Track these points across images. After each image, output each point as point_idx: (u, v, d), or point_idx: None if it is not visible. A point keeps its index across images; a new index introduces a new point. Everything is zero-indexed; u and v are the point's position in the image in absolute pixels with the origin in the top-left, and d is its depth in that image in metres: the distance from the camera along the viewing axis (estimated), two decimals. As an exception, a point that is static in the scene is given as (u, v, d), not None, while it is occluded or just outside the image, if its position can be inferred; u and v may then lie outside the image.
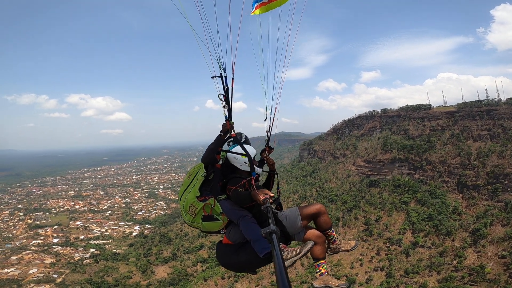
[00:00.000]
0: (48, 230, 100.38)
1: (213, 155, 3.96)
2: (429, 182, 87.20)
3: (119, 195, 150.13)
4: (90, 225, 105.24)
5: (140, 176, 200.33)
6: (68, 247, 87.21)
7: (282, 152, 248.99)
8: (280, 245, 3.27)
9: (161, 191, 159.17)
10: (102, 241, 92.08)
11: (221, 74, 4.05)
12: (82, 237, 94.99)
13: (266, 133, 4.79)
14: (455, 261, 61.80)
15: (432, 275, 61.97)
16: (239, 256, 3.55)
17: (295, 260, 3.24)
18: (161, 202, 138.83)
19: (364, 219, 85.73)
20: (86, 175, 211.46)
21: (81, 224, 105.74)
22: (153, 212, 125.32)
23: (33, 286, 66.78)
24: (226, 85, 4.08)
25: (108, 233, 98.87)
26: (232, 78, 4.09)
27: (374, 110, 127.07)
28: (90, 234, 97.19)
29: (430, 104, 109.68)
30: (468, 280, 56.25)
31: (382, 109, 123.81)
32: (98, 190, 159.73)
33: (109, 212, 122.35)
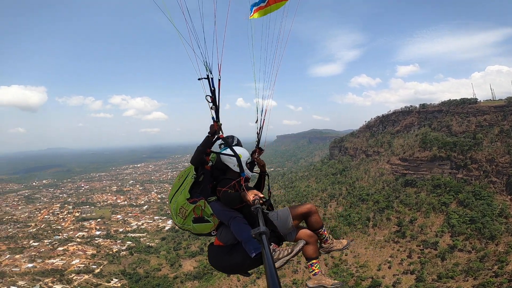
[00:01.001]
0: (92, 222, 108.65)
1: (202, 156, 3.95)
2: (474, 182, 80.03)
3: (155, 190, 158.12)
4: (129, 219, 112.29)
5: (175, 172, 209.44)
6: (108, 239, 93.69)
7: (312, 150, 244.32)
8: (272, 245, 3.31)
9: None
10: (138, 234, 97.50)
11: (207, 75, 4.05)
12: (121, 230, 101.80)
13: (256, 135, 4.82)
14: (496, 267, 56.25)
15: (467, 280, 57.11)
16: (231, 257, 3.56)
17: (287, 260, 3.25)
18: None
19: (397, 220, 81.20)
20: (127, 171, 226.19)
21: (121, 218, 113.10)
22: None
23: (73, 276, 72.35)
24: (213, 87, 4.08)
25: (143, 227, 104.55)
26: (219, 79, 4.09)
27: (411, 106, 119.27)
28: (128, 227, 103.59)
29: (476, 98, 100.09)
30: (507, 286, 50.91)
31: (420, 104, 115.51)
32: (137, 186, 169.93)
33: (146, 206, 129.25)
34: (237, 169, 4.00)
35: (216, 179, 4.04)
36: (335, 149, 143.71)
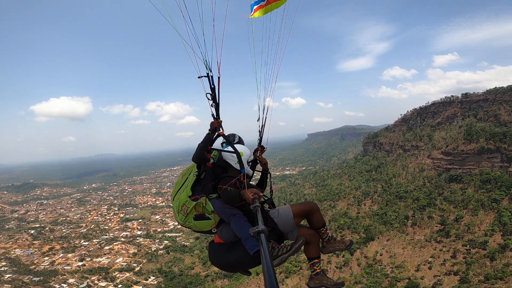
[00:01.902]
0: (135, 223, 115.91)
1: (203, 154, 3.99)
2: (529, 176, 71.21)
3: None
4: (166, 219, 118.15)
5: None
6: (148, 239, 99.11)
7: (346, 146, 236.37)
8: (271, 243, 3.31)
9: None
10: (174, 234, 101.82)
11: (207, 73, 4.09)
12: (159, 230, 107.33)
13: (258, 133, 4.85)
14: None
15: (519, 281, 51.20)
16: (231, 254, 3.55)
17: (286, 257, 3.23)
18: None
19: (440, 218, 75.24)
20: (165, 174, 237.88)
21: (160, 218, 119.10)
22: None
23: (116, 274, 77.47)
24: (213, 84, 4.13)
25: (179, 227, 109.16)
26: (219, 77, 4.13)
27: (452, 96, 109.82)
28: (165, 227, 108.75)
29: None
30: None
31: (462, 94, 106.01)
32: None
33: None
34: (238, 166, 4.00)
35: (218, 176, 4.01)
36: (369, 145, 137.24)
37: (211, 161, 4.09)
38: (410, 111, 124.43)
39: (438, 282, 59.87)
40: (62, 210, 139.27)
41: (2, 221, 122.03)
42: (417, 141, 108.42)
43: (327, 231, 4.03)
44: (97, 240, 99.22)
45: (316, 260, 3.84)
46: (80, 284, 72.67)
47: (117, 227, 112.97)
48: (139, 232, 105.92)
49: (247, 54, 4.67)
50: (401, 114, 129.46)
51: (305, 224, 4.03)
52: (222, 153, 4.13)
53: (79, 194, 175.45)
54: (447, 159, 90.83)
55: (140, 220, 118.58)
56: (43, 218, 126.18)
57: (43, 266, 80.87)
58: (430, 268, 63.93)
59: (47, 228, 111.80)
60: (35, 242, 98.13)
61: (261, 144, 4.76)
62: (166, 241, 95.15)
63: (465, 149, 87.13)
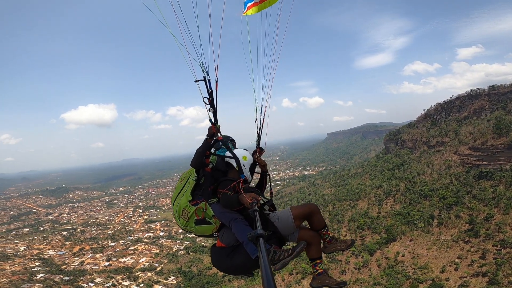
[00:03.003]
0: (158, 224, 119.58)
1: (201, 159, 3.96)
2: None
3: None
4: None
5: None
6: (170, 240, 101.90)
7: (367, 145, 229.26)
8: (273, 247, 3.32)
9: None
10: (195, 235, 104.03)
11: (204, 77, 4.02)
12: (180, 231, 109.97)
13: (257, 135, 4.81)
14: None
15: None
16: (233, 259, 3.55)
17: (288, 261, 3.19)
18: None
19: (469, 217, 70.94)
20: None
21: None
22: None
23: (139, 274, 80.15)
24: (210, 88, 4.06)
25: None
26: (216, 81, 4.06)
27: (478, 89, 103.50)
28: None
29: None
30: None
31: (489, 86, 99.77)
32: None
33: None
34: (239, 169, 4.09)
35: (217, 180, 4.02)
36: (390, 143, 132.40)
37: (210, 165, 4.10)
38: (434, 105, 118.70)
39: (465, 284, 56.59)
40: (92, 213, 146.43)
41: (38, 223, 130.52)
42: (442, 136, 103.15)
43: (328, 232, 4.04)
44: (123, 241, 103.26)
45: (318, 261, 3.87)
46: (106, 283, 75.66)
47: (142, 229, 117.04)
48: (161, 233, 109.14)
49: (247, 55, 4.45)
50: (424, 110, 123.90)
51: (305, 226, 4.05)
52: (224, 155, 4.18)
53: (107, 197, 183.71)
54: (476, 154, 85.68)
55: (163, 222, 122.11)
56: (75, 220, 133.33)
57: (73, 266, 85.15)
58: (456, 269, 60.49)
59: (78, 230, 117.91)
60: (67, 243, 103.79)
61: (260, 146, 4.74)
62: (187, 242, 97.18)
63: (494, 143, 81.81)
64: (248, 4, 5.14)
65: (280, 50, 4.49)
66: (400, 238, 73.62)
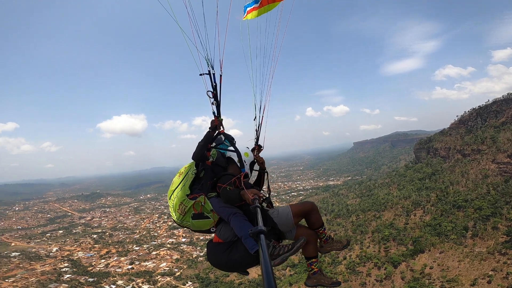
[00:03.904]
0: (180, 231, 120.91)
1: (203, 152, 3.95)
2: None
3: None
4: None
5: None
6: (191, 246, 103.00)
7: (397, 154, 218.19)
8: (272, 242, 3.35)
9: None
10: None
11: (209, 71, 4.12)
12: (201, 237, 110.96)
13: (255, 132, 4.92)
14: None
15: None
16: (231, 254, 3.50)
17: (287, 256, 3.23)
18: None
19: (507, 228, 64.36)
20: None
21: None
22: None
23: (159, 278, 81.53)
24: (214, 82, 4.15)
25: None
26: (220, 75, 4.16)
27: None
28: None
29: None
30: None
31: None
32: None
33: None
34: (239, 165, 4.12)
35: (217, 175, 4.00)
36: (421, 151, 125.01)
37: (210, 159, 4.08)
38: (468, 111, 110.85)
39: (498, 297, 50.88)
40: (121, 218, 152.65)
41: (71, 226, 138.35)
42: (478, 144, 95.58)
43: (325, 231, 4.01)
44: (147, 246, 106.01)
45: (314, 260, 3.84)
46: (127, 286, 77.54)
47: (165, 234, 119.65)
48: (183, 240, 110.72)
49: (247, 57, 4.96)
50: (457, 116, 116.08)
51: (303, 224, 4.05)
52: (226, 151, 4.18)
53: (136, 203, 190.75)
54: (517, 163, 78.22)
55: (185, 228, 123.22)
56: (105, 224, 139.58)
57: (98, 268, 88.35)
58: (489, 282, 54.78)
59: (107, 233, 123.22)
60: (95, 245, 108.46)
61: (258, 143, 4.80)
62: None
63: (539, 151, 74.33)
64: (248, 9, 5.18)
65: (279, 51, 4.60)
66: (429, 250, 68.36)
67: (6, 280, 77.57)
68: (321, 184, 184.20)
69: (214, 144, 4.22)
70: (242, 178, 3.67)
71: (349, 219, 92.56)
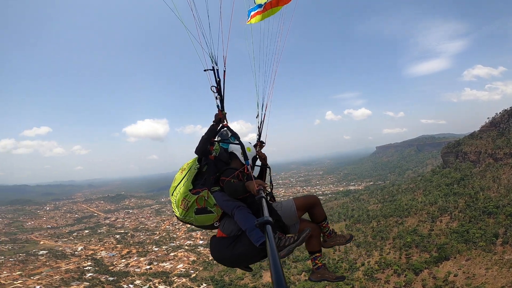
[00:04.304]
0: (198, 233, 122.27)
1: (207, 146, 3.98)
2: None
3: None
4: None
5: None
6: (207, 248, 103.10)
7: (423, 159, 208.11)
8: (278, 233, 3.34)
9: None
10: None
11: (213, 67, 4.23)
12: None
13: (258, 129, 5.02)
14: None
15: None
16: (235, 248, 3.46)
17: (293, 248, 3.22)
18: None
19: (540, 235, 59.15)
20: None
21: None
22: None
23: (175, 279, 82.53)
24: (218, 77, 4.27)
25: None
26: (224, 71, 4.28)
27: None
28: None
29: None
30: None
31: None
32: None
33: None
34: (242, 159, 4.07)
35: (220, 169, 3.99)
36: (449, 156, 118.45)
37: (213, 153, 4.08)
38: (500, 113, 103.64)
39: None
40: (142, 219, 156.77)
41: (96, 226, 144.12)
42: (511, 147, 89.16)
43: (328, 225, 4.03)
44: (166, 247, 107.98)
45: (317, 254, 3.85)
46: (144, 285, 79.07)
47: (183, 236, 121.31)
48: (201, 242, 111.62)
49: (250, 58, 5.21)
50: (488, 118, 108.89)
51: (307, 219, 4.05)
52: (230, 145, 4.18)
53: (157, 205, 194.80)
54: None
55: (203, 231, 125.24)
56: (128, 225, 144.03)
57: (119, 268, 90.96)
58: None
59: (129, 234, 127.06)
60: (118, 245, 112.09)
61: (260, 140, 4.89)
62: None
63: None
64: (252, 13, 5.24)
65: (282, 52, 4.75)
66: (455, 257, 64.25)
67: (32, 278, 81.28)
68: (341, 189, 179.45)
69: (218, 138, 4.22)
70: (246, 171, 3.70)
71: (369, 224, 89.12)
